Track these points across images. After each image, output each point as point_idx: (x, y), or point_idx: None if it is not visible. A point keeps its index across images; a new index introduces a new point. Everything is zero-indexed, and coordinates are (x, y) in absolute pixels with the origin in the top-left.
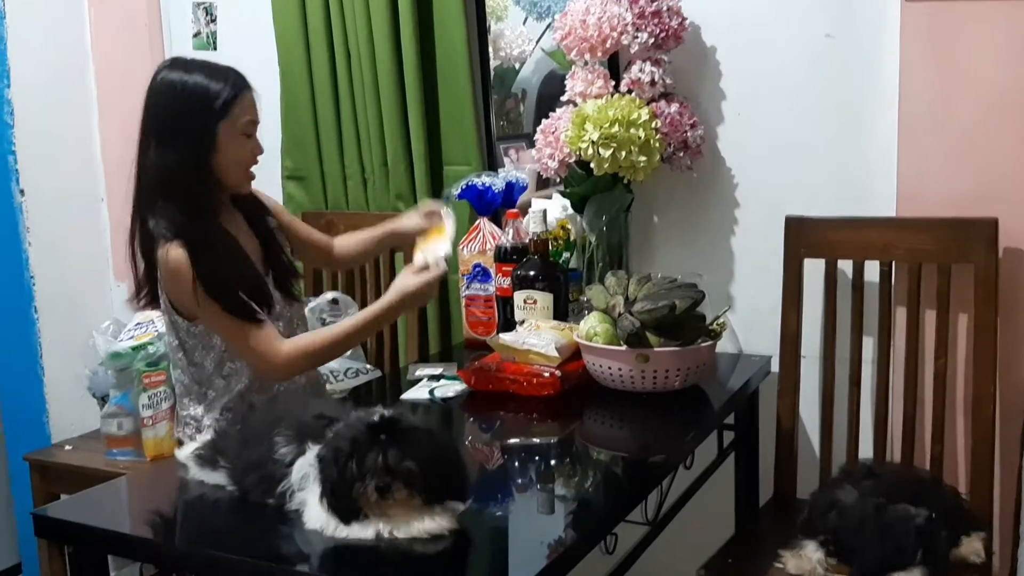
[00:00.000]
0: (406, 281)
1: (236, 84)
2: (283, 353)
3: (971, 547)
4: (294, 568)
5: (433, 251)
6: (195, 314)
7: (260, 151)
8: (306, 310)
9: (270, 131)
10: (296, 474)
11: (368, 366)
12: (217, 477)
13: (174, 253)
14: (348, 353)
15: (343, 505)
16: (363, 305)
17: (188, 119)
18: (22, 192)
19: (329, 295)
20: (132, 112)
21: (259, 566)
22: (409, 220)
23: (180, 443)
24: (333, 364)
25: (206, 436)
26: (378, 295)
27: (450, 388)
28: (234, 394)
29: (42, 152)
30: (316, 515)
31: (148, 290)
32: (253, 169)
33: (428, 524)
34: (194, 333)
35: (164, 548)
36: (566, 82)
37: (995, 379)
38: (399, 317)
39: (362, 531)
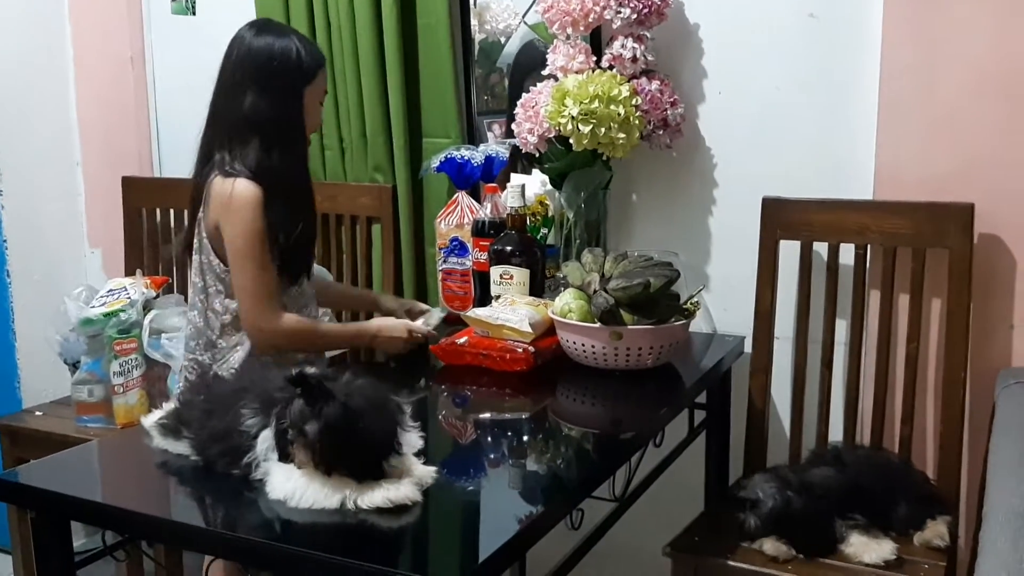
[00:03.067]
0: (390, 321)
1: (320, 55)
2: (281, 320)
3: (936, 530)
4: (256, 537)
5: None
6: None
7: (321, 123)
8: None
9: None
10: (261, 445)
11: None
12: (180, 447)
13: (244, 186)
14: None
15: (279, 445)
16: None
17: (284, 76)
18: None
19: None
20: (109, 75)
21: (220, 535)
22: (391, 303)
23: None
24: None
25: (170, 404)
26: (354, 267)
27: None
28: (241, 353)
29: (16, 114)
30: (280, 485)
31: (187, 233)
32: None
33: (393, 494)
34: (226, 281)
35: (125, 515)
36: (547, 56)
37: (966, 364)
38: (367, 345)
39: (327, 500)
